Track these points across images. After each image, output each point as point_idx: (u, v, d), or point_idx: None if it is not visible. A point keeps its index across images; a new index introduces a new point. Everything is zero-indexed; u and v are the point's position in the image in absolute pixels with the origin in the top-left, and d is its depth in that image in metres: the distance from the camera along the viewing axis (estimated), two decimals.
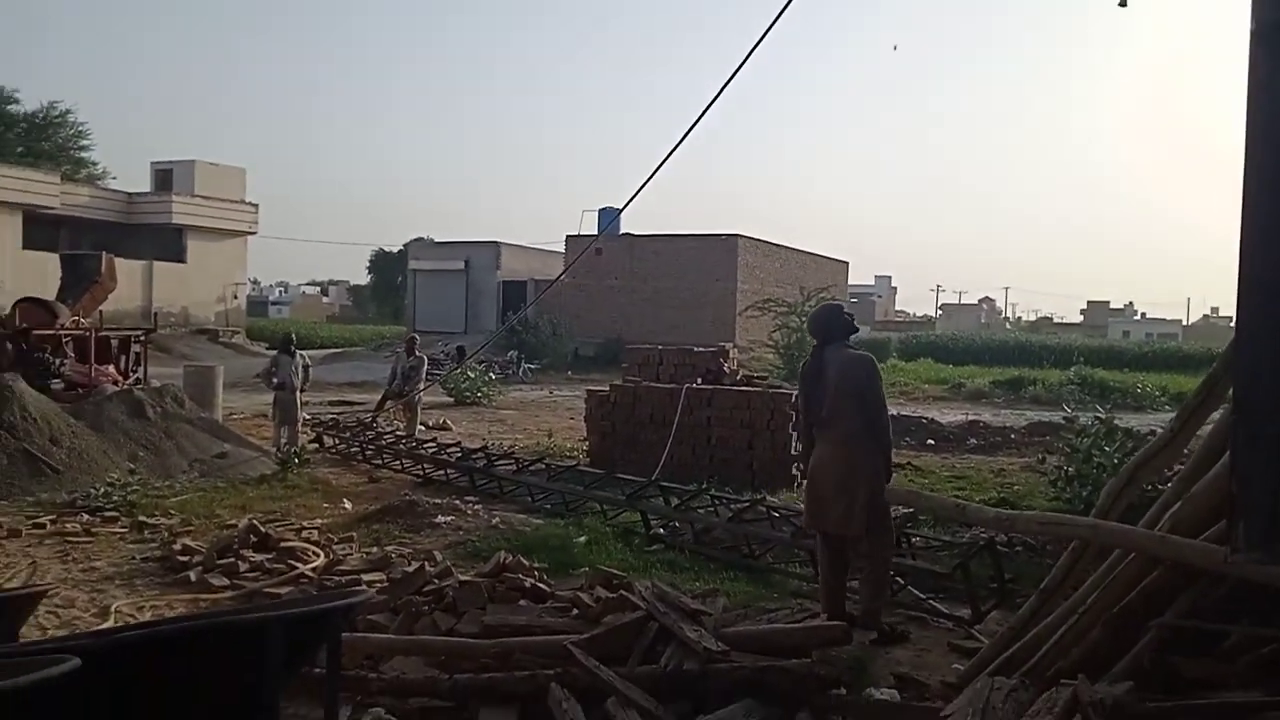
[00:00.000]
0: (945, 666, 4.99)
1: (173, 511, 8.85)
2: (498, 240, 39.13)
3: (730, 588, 6.46)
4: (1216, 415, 4.11)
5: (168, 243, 38.26)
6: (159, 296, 36.21)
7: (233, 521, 8.31)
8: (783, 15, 7.40)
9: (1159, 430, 10.72)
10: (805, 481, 5.94)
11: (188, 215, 38.66)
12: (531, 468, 10.25)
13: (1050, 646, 4.00)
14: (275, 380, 12.89)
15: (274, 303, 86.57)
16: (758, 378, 14.16)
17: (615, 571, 5.83)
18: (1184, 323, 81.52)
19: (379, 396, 15.83)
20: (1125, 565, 3.90)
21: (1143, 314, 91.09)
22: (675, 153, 9.13)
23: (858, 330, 5.94)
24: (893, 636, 5.40)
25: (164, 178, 39.91)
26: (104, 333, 14.64)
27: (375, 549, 7.51)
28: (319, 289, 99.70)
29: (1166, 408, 21.20)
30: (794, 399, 9.97)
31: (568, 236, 35.54)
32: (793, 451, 10.80)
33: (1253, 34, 2.54)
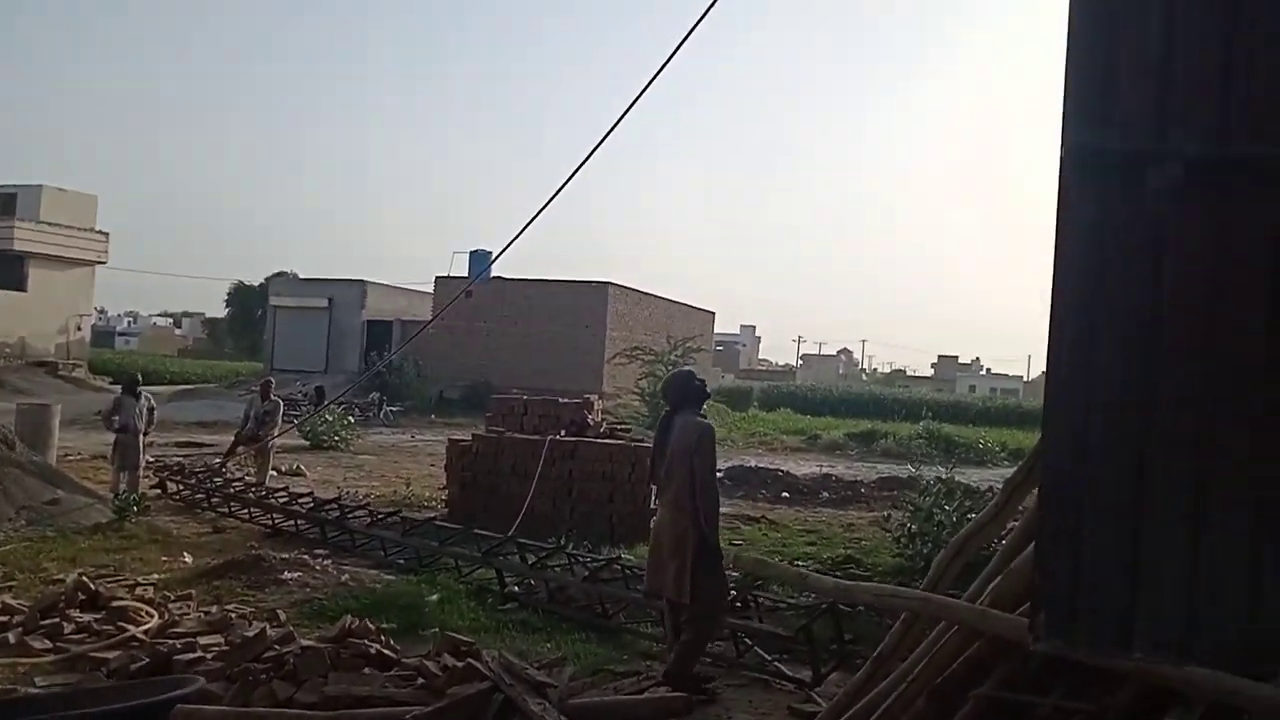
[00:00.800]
0: None
1: None
2: (364, 279, 38.40)
3: (582, 649, 6.47)
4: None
5: (7, 270, 36.00)
6: None
7: (60, 576, 7.85)
8: (665, 68, 7.60)
9: (997, 487, 11.23)
10: None
11: (30, 242, 36.45)
12: (386, 520, 10.03)
13: (880, 715, 4.16)
14: (116, 423, 12.27)
15: (121, 334, 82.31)
16: (621, 429, 14.28)
17: (463, 639, 5.75)
18: (1025, 379, 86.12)
19: (231, 439, 15.24)
20: (950, 636, 4.09)
21: (988, 369, 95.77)
22: (552, 201, 9.25)
23: (709, 396, 6.08)
24: (704, 695, 5.45)
25: (6, 202, 37.59)
26: None
27: (215, 608, 7.20)
28: (171, 320, 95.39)
29: (1005, 463, 22.32)
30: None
31: (437, 277, 35.16)
32: (652, 505, 10.91)
33: (1062, 158, 2.77)
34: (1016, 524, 4.61)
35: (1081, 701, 3.72)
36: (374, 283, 38.79)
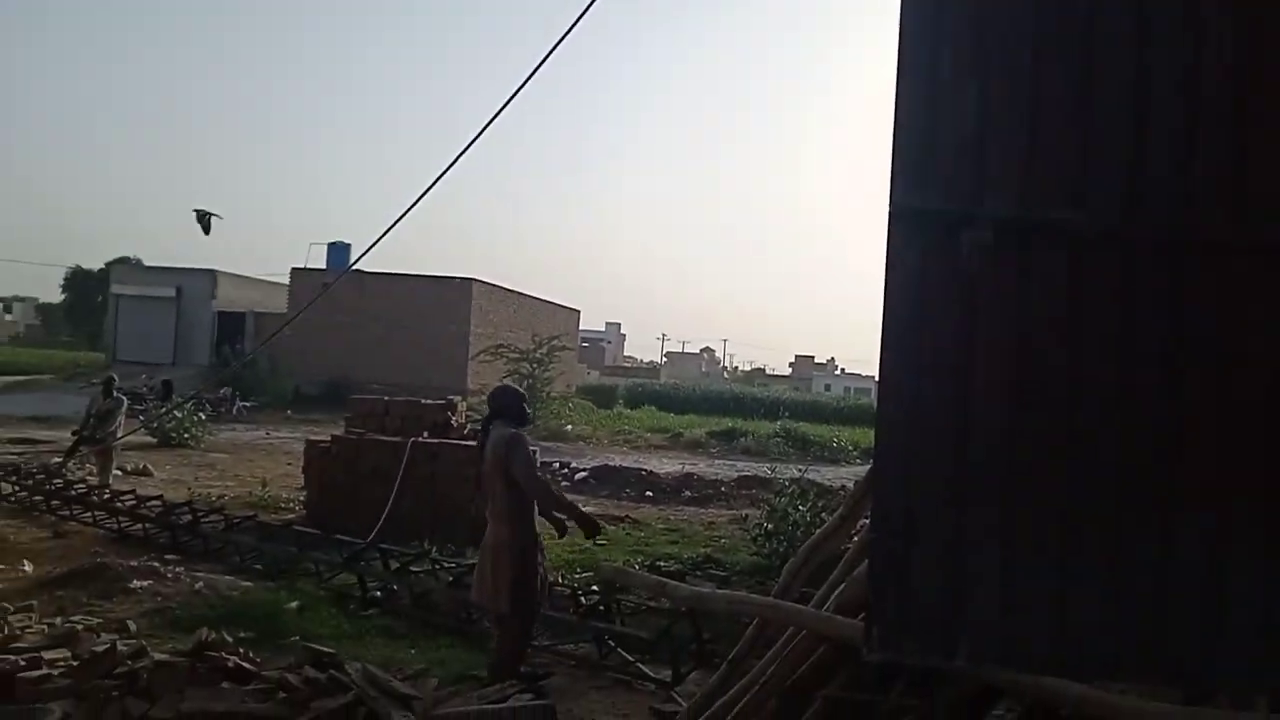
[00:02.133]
0: None
1: None
2: (214, 268, 36.90)
3: (446, 655, 6.53)
4: None
5: None
6: None
7: None
8: (539, 71, 7.66)
9: (849, 485, 11.70)
10: None
11: None
12: (242, 524, 9.79)
13: (735, 715, 4.40)
14: None
15: None
16: None
17: (324, 648, 5.72)
18: (876, 379, 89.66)
19: (70, 435, 14.48)
20: (798, 640, 4.36)
21: (842, 369, 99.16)
22: (422, 198, 9.21)
23: (529, 419, 6.04)
24: (535, 692, 5.56)
25: None
26: None
27: (59, 620, 6.91)
28: (1, 305, 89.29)
29: (858, 461, 23.30)
30: None
31: (294, 269, 34.15)
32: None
33: (890, 213, 3.05)
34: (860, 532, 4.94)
35: (918, 697, 4.05)
36: (225, 272, 37.38)
